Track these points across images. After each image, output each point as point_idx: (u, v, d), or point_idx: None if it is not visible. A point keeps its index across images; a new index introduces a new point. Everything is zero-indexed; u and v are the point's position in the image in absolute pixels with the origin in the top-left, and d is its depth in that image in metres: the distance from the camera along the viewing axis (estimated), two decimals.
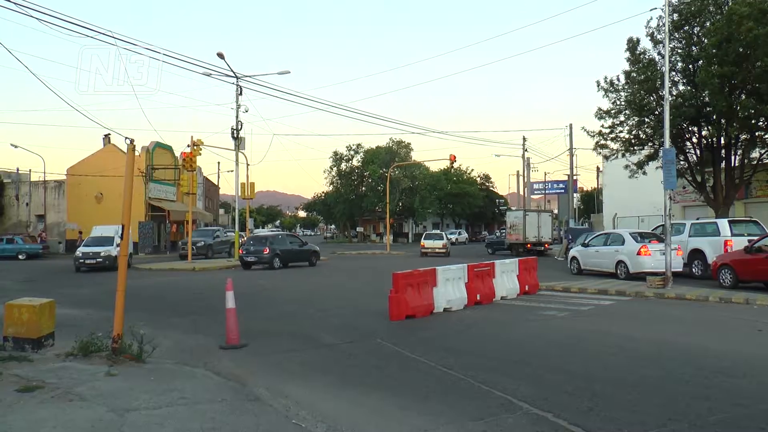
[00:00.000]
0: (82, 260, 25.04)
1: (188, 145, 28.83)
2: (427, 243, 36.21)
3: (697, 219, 20.36)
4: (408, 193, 65.36)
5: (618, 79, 23.19)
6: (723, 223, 18.02)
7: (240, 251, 26.55)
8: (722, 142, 22.03)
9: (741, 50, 19.05)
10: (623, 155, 24.23)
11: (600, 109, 23.84)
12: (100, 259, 25.07)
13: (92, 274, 23.48)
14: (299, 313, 12.15)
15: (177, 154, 42.17)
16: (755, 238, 15.90)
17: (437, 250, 35.03)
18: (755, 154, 22.69)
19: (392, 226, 58.98)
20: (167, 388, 6.03)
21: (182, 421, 4.99)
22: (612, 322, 10.56)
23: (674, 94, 21.45)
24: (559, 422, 5.06)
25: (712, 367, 6.92)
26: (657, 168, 20.99)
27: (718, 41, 19.21)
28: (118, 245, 25.04)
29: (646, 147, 23.56)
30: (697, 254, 18.35)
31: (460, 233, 64.91)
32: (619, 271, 18.49)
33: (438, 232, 41.66)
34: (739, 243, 16.55)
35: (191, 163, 28.48)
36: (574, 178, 41.96)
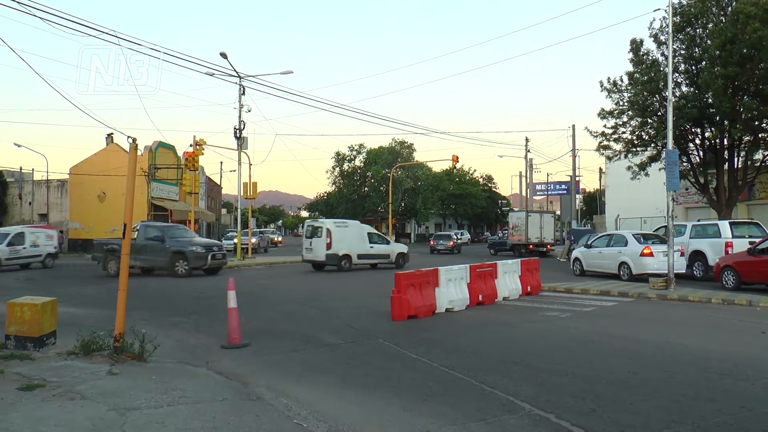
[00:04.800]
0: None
1: (191, 145, 28.87)
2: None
3: (698, 221, 20.31)
4: (410, 193, 65.25)
5: (621, 80, 23.13)
6: (724, 225, 17.97)
7: (431, 242, 41.35)
8: (725, 143, 21.94)
9: (745, 51, 18.96)
10: (626, 156, 24.17)
11: (603, 110, 23.79)
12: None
13: (92, 276, 23.31)
14: (301, 313, 12.14)
15: (180, 153, 42.22)
16: (756, 239, 15.84)
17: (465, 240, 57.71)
18: (758, 155, 22.61)
19: (395, 227, 58.98)
20: (169, 387, 6.03)
21: (183, 421, 4.99)
22: (614, 324, 10.54)
23: (677, 95, 21.36)
24: (562, 423, 5.04)
25: (716, 369, 6.89)
26: (660, 169, 20.95)
27: (722, 42, 19.12)
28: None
29: (648, 148, 23.47)
30: (698, 256, 18.30)
31: (462, 234, 64.80)
32: (621, 273, 18.45)
33: (463, 231, 69.10)
34: (740, 245, 16.51)
35: (194, 163, 28.50)
36: (577, 179, 41.88)
